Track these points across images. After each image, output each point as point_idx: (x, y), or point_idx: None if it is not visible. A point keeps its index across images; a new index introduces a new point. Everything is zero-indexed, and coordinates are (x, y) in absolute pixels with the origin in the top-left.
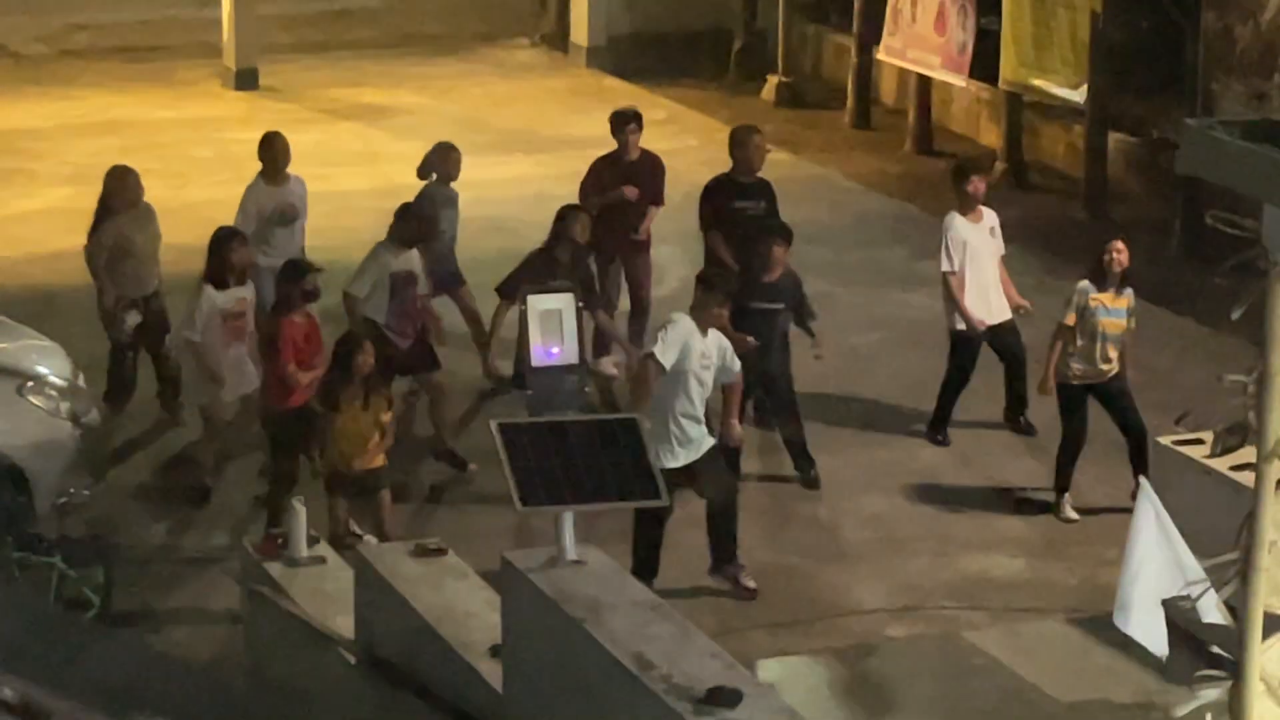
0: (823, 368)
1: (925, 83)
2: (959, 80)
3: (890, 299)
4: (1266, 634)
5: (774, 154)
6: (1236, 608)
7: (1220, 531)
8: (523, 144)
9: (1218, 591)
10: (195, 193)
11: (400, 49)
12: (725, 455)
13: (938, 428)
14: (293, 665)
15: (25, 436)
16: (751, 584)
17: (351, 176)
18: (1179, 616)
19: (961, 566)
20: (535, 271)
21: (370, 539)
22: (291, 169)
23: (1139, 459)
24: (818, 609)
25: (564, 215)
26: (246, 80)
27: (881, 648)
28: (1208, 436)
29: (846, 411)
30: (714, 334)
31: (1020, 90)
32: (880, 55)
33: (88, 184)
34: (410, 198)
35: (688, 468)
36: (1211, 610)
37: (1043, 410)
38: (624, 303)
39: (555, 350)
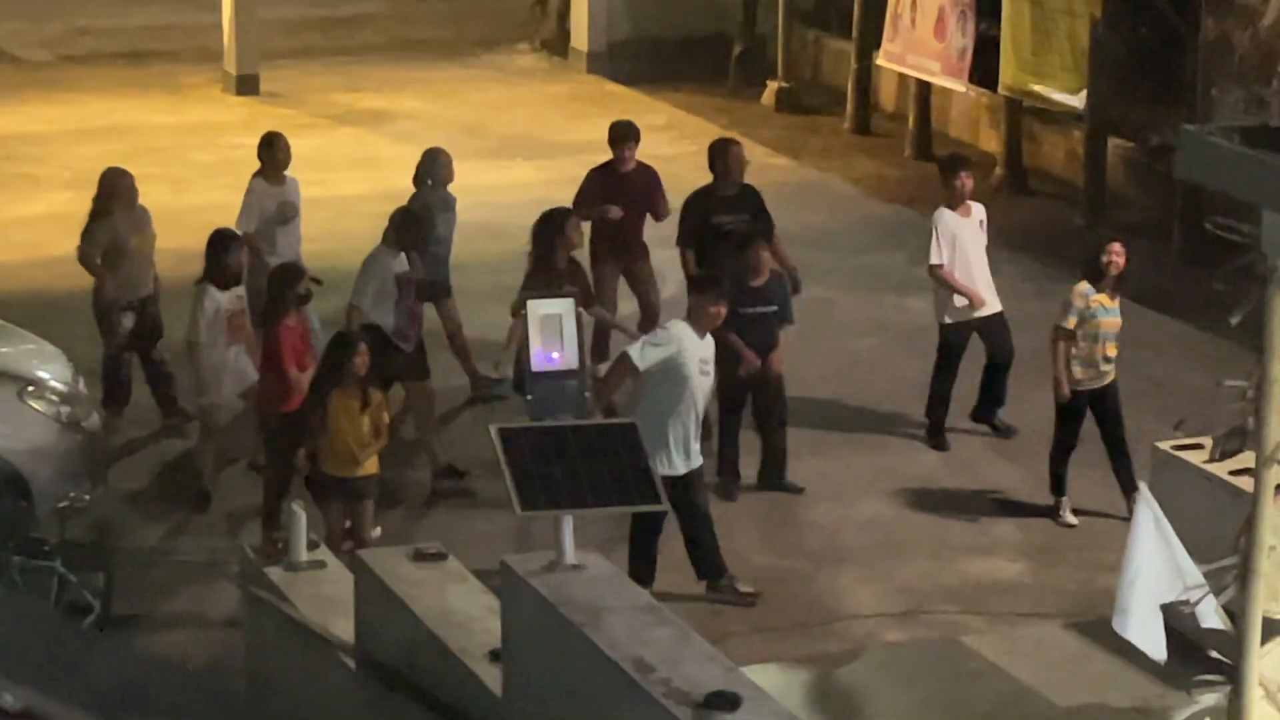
0: (821, 372)
1: (925, 88)
2: (959, 86)
3: (889, 304)
4: (1265, 639)
5: (774, 159)
6: (1235, 612)
7: (1219, 536)
8: (523, 149)
9: (1216, 596)
10: (195, 197)
11: (401, 54)
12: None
13: (935, 431)
14: (292, 670)
15: (26, 441)
16: (749, 589)
17: (351, 181)
18: (1178, 621)
19: (960, 571)
20: (538, 284)
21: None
22: (292, 173)
23: (1122, 471)
24: (816, 613)
25: (552, 220)
26: (247, 85)
27: (880, 652)
28: (1207, 441)
29: (845, 416)
30: (709, 339)
31: (1020, 96)
32: (880, 61)
33: (89, 189)
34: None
35: (683, 478)
36: (1210, 615)
37: (1042, 415)
38: (624, 306)
39: (555, 355)
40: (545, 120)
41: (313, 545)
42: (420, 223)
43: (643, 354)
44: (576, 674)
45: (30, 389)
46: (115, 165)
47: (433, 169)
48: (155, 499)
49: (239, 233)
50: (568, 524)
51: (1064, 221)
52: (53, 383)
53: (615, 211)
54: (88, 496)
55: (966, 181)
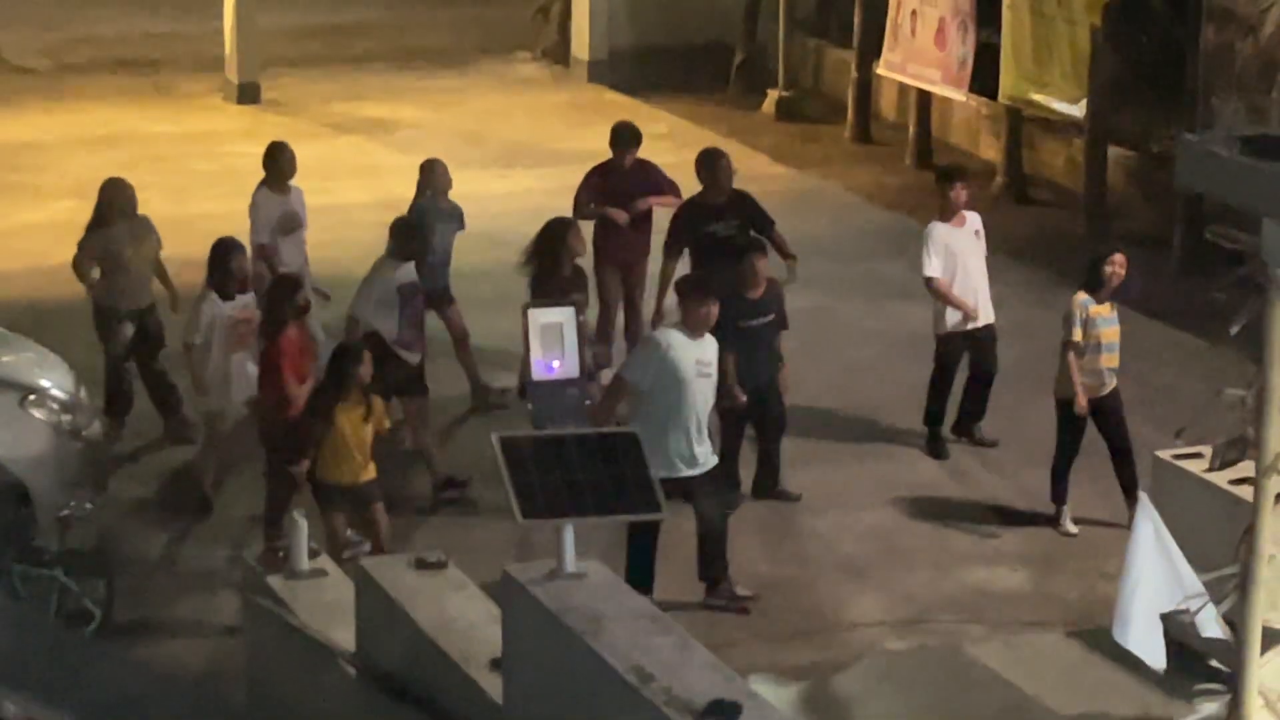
0: (821, 380)
1: (925, 97)
2: (959, 95)
3: (889, 312)
4: (1265, 648)
5: (774, 168)
6: (1235, 621)
7: (1219, 545)
8: (523, 158)
9: (1217, 605)
10: (196, 206)
11: (402, 63)
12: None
13: (934, 439)
14: (293, 678)
15: (27, 449)
16: (746, 593)
17: (352, 190)
18: (1178, 630)
19: (961, 579)
20: (545, 293)
21: (366, 545)
22: (294, 182)
23: (1126, 480)
24: (817, 621)
25: (553, 230)
26: (248, 94)
27: (881, 660)
28: (1207, 450)
29: (845, 424)
30: (710, 338)
31: (1020, 104)
32: (880, 70)
33: (89, 198)
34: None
35: (686, 480)
36: (1210, 624)
37: (1041, 424)
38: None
39: (555, 364)
40: (546, 129)
41: (314, 554)
42: (418, 233)
43: (632, 370)
44: (577, 682)
45: (31, 397)
46: (115, 175)
47: (430, 179)
48: (156, 507)
49: (251, 245)
50: (568, 532)
51: (1064, 230)
52: (54, 391)
53: (621, 216)
54: (89, 505)
55: (961, 192)
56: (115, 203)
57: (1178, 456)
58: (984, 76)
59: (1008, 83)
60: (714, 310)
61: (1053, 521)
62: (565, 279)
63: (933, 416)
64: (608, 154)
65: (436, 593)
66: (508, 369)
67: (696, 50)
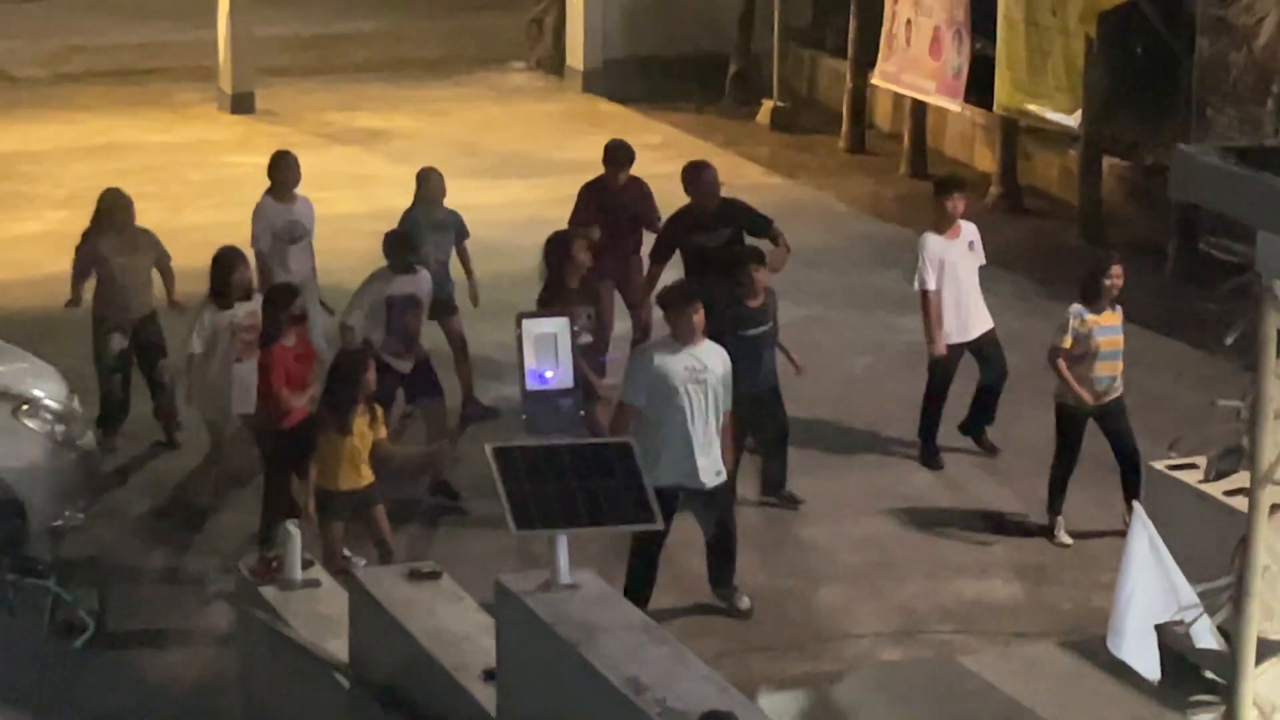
0: (816, 390)
1: (920, 107)
2: (954, 105)
3: (884, 322)
4: (1260, 659)
5: (769, 178)
6: (1230, 632)
7: (1214, 556)
8: (517, 168)
9: (1211, 616)
10: (190, 216)
11: (396, 73)
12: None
13: (929, 450)
14: (286, 689)
15: (20, 459)
16: (744, 606)
17: (347, 200)
18: (1173, 641)
19: (956, 590)
20: (554, 304)
21: (360, 561)
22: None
23: (1131, 486)
24: (812, 632)
25: (556, 244)
26: (242, 104)
27: (875, 671)
28: (1201, 461)
29: (840, 434)
30: (710, 345)
31: (1015, 115)
32: (875, 80)
33: (84, 207)
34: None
35: (691, 493)
36: (1205, 635)
37: (1036, 434)
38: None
39: (549, 374)
40: (540, 139)
41: (307, 564)
42: (407, 243)
43: (629, 392)
44: (571, 693)
45: (25, 407)
46: (112, 186)
47: (423, 188)
48: (150, 517)
49: (248, 252)
50: (562, 543)
51: (1059, 240)
52: (47, 401)
53: (593, 233)
54: (82, 515)
55: (958, 204)
56: (109, 213)
57: (1172, 467)
58: (979, 87)
59: (1002, 93)
60: (700, 315)
61: (1047, 532)
62: (574, 292)
63: (927, 427)
64: (600, 164)
65: (430, 603)
66: (499, 379)
67: (691, 60)
